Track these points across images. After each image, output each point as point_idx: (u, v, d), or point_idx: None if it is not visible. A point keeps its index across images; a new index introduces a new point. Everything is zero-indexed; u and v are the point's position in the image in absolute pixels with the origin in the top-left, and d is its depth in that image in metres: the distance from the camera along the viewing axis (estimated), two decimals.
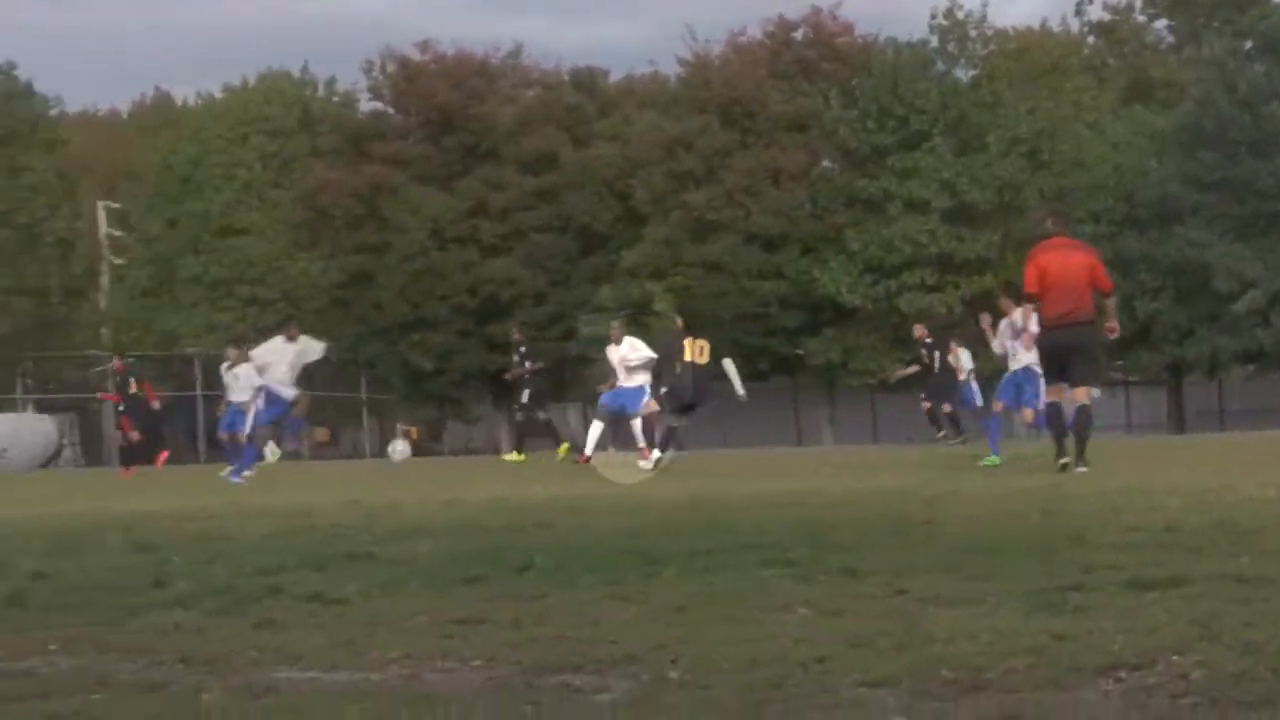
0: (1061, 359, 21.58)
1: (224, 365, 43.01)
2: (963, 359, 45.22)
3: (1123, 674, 6.22)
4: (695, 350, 33.40)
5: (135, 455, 46.31)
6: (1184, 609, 7.74)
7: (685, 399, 33.31)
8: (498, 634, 7.90)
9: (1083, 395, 21.58)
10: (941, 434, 44.66)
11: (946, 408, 45.88)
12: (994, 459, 27.49)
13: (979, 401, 44.69)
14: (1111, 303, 22.01)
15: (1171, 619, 7.43)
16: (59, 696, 6.60)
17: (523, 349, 45.93)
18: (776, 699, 5.96)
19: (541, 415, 45.20)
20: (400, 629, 8.21)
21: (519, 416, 45.14)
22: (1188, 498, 14.98)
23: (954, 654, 6.71)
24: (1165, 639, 6.86)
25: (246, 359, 41.05)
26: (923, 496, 17.16)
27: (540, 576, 10.28)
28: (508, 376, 46.11)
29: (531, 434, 44.94)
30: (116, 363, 50.24)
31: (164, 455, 46.79)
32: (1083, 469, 20.37)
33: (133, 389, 47.56)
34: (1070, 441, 21.23)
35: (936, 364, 45.95)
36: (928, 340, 46.97)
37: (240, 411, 40.63)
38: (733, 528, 13.37)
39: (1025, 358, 28.18)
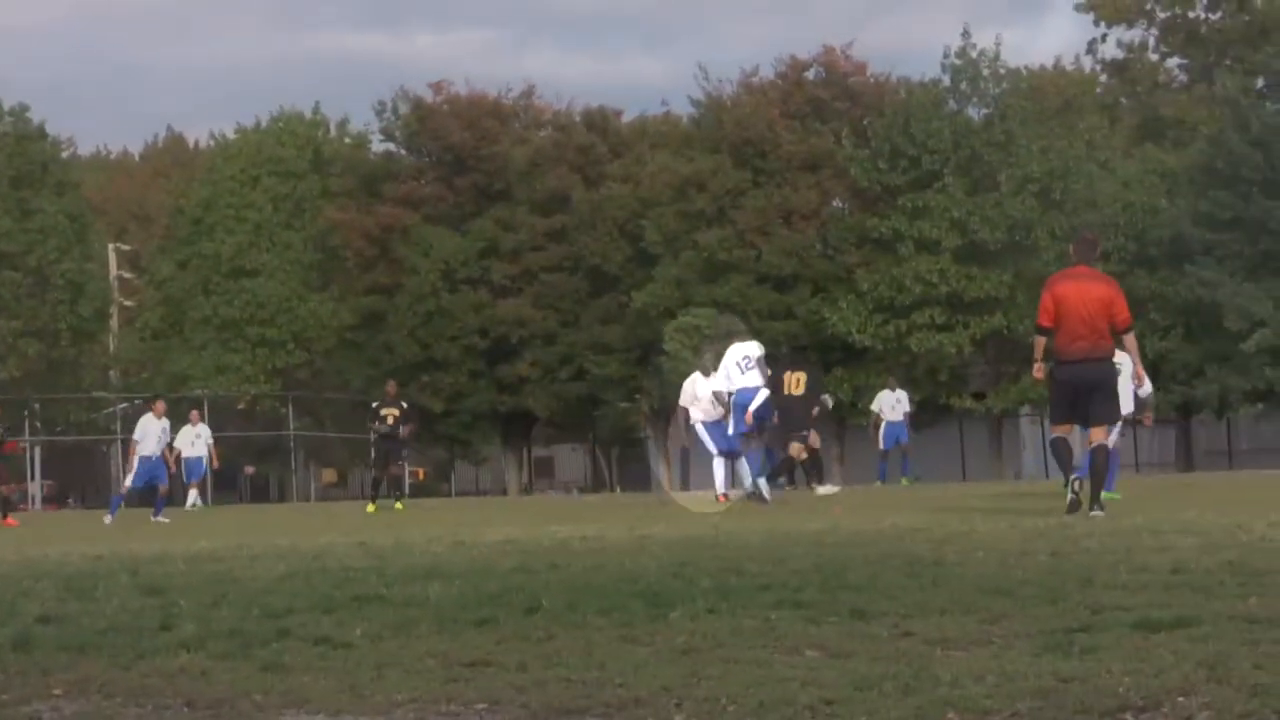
0: (1077, 396, 20.66)
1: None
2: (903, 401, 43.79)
3: (1128, 716, 6.22)
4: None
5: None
6: (1191, 650, 7.74)
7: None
8: (504, 677, 7.91)
9: (1101, 435, 20.72)
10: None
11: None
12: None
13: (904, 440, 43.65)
14: (1130, 340, 21.27)
15: (1179, 660, 7.44)
16: None
17: (405, 406, 46.15)
18: None
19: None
20: (408, 672, 8.21)
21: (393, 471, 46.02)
22: (1196, 538, 14.98)
23: (960, 696, 6.72)
24: (1172, 680, 6.87)
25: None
26: (934, 537, 17.16)
27: (548, 618, 10.29)
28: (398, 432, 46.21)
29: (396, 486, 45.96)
30: None
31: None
32: (1098, 512, 19.54)
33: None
34: (1083, 482, 20.35)
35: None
36: None
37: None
38: (743, 569, 13.38)
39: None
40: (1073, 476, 20.54)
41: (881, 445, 47.05)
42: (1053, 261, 69.08)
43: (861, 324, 71.23)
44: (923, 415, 67.76)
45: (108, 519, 41.99)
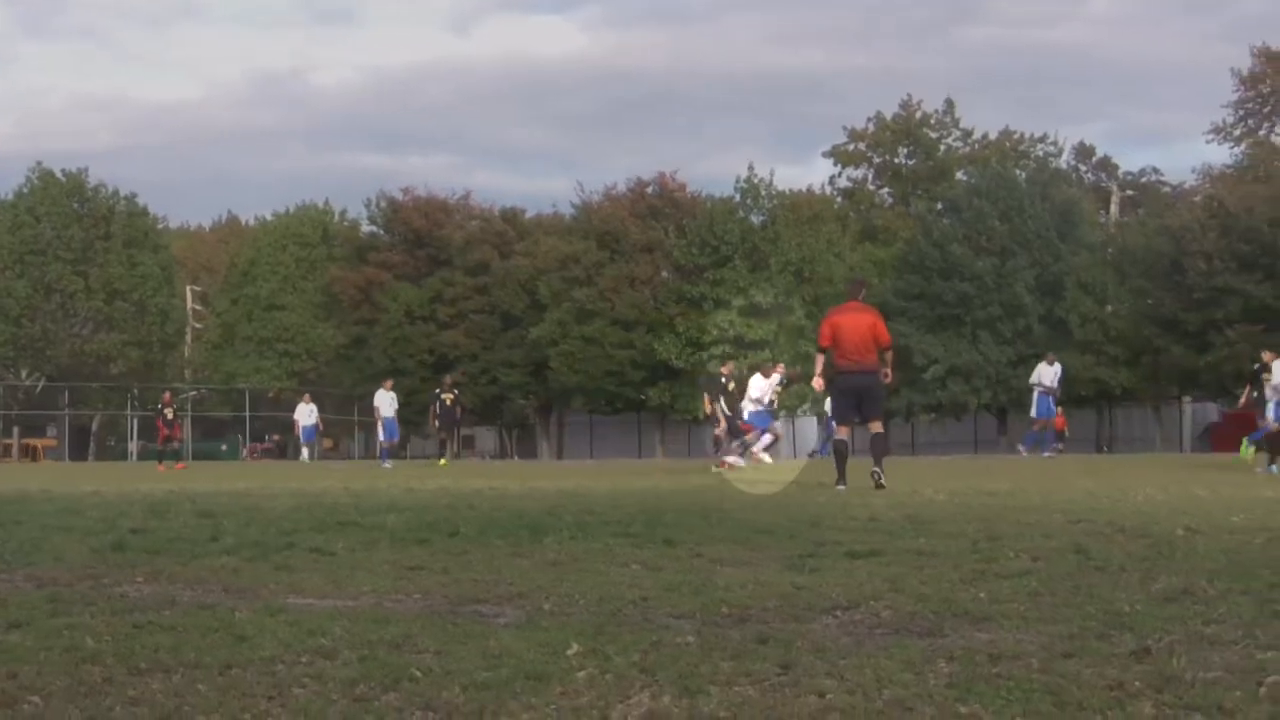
0: (854, 398, 18.93)
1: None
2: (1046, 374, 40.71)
3: (839, 612, 6.24)
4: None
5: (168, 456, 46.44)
6: (880, 571, 7.79)
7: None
8: (434, 577, 7.87)
9: (876, 426, 19.16)
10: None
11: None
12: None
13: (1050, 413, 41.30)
14: (889, 355, 19.37)
15: (871, 577, 7.48)
16: (141, 611, 6.55)
17: (456, 392, 45.81)
18: (614, 623, 5.97)
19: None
20: (371, 572, 8.16)
21: (441, 437, 45.18)
22: (885, 498, 15.07)
23: (731, 597, 6.73)
24: (867, 590, 6.90)
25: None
26: (720, 494, 17.19)
27: (464, 540, 10.25)
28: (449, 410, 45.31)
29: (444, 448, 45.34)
30: (167, 395, 50.35)
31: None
32: (878, 475, 17.93)
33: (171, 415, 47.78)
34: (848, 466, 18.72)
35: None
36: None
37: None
38: (594, 510, 13.39)
39: None
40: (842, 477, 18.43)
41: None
42: (804, 318, 69.60)
43: (678, 353, 71.53)
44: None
45: (387, 465, 41.47)
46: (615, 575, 7.85)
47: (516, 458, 79.87)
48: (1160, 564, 8.00)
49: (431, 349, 79.53)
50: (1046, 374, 40.85)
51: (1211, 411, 72.53)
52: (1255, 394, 32.26)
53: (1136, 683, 4.65)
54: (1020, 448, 41.01)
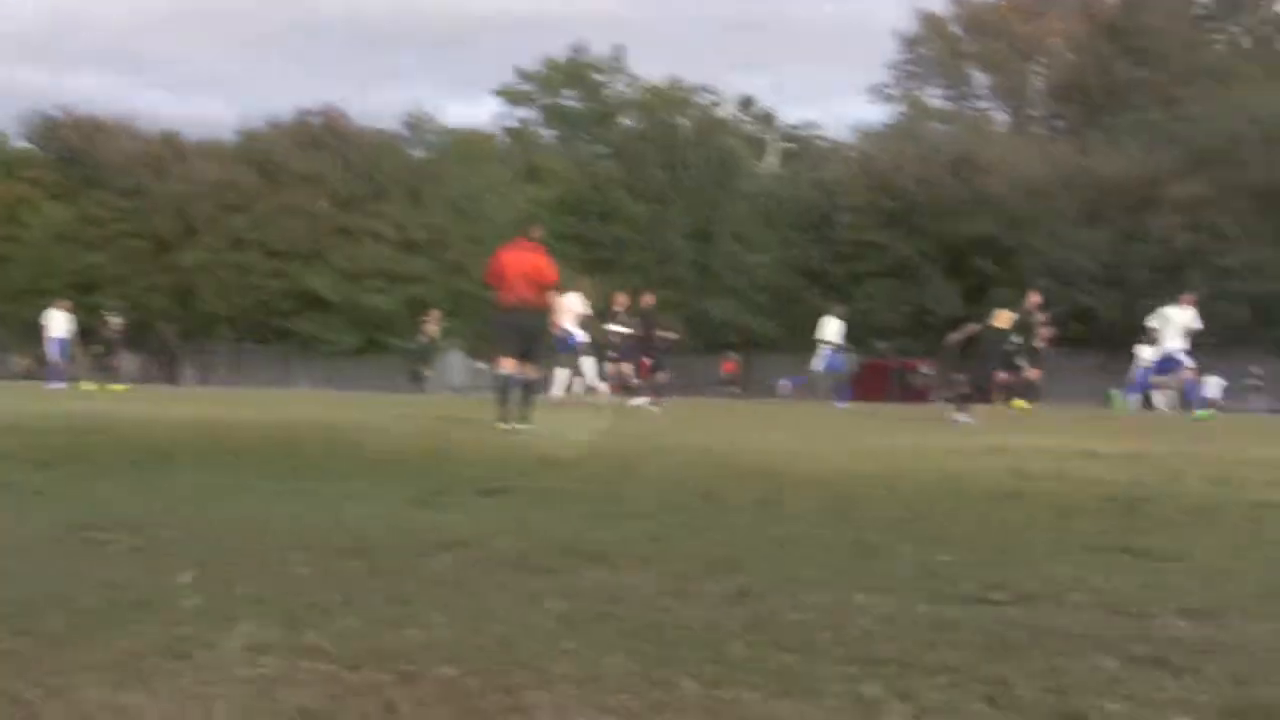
0: (517, 335, 18.72)
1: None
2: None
3: (459, 548, 6.32)
4: None
5: None
6: (508, 509, 7.89)
7: None
8: (52, 503, 7.72)
9: (531, 371, 18.87)
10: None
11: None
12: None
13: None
14: (553, 296, 19.08)
15: (498, 515, 7.57)
16: None
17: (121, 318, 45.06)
18: (230, 553, 5.95)
19: None
20: None
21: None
22: (528, 438, 15.24)
23: (352, 530, 6.75)
24: (491, 528, 6.97)
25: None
26: (361, 428, 17.15)
27: (90, 465, 10.06)
28: None
29: None
30: None
31: None
32: (527, 426, 17.57)
33: None
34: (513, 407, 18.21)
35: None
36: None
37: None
38: (226, 439, 13.25)
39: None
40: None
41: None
42: (464, 256, 69.82)
43: (331, 285, 71.25)
44: (368, 350, 68.20)
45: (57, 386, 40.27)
46: (239, 505, 7.80)
47: (160, 384, 78.38)
48: (773, 509, 8.27)
49: (78, 270, 77.20)
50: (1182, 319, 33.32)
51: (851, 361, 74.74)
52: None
53: (733, 624, 4.82)
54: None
